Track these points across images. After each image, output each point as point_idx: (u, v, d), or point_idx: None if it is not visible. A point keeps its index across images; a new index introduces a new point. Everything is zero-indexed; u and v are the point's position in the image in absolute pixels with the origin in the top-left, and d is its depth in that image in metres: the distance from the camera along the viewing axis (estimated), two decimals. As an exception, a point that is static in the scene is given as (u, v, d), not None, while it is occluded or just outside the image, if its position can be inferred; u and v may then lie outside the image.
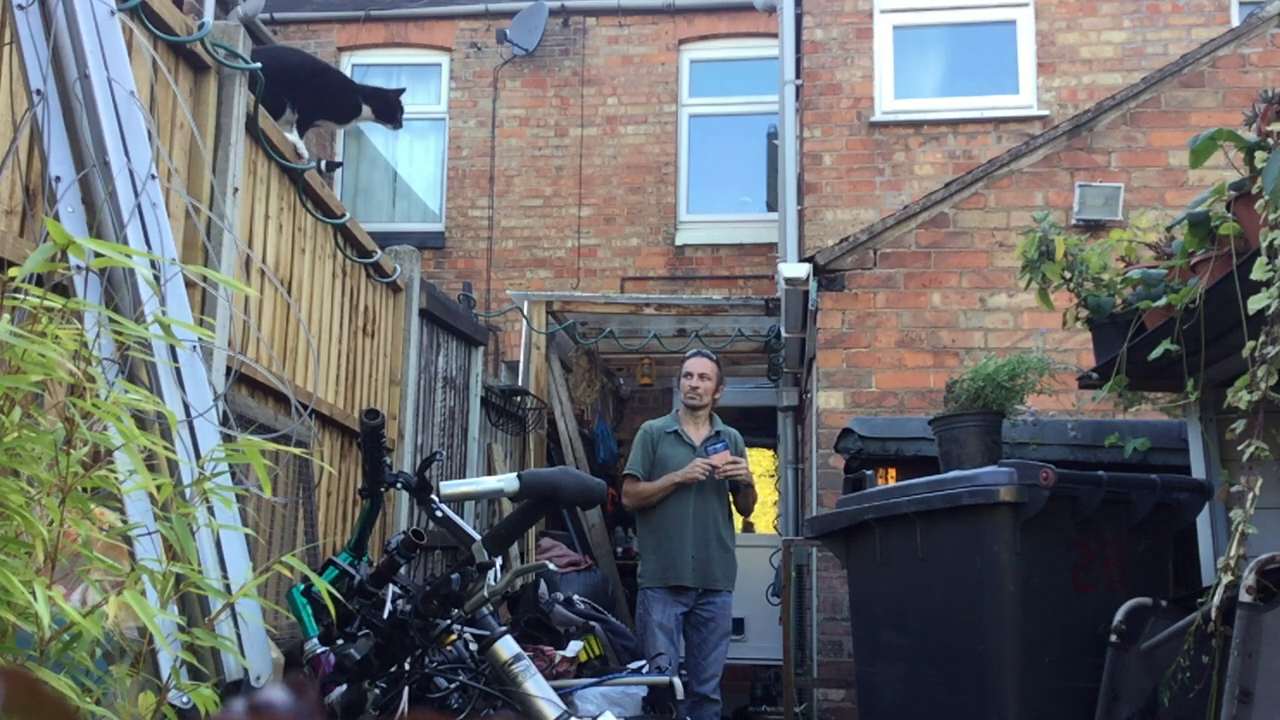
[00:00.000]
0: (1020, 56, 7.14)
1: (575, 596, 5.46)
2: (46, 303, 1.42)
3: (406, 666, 2.34)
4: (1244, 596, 2.35)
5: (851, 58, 7.16)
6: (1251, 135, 2.47)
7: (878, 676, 3.55)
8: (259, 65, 3.07)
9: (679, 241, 9.31)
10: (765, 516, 10.06)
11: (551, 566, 2.71)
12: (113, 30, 2.31)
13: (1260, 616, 2.34)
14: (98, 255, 1.44)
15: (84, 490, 1.43)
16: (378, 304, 4.61)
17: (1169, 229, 3.09)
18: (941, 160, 6.89)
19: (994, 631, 3.05)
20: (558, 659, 4.63)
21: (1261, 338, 2.32)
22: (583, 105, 9.58)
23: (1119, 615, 2.99)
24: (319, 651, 2.34)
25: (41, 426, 1.42)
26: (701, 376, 4.98)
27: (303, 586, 2.46)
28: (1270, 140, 2.37)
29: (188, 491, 1.66)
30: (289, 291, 3.63)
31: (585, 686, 3.94)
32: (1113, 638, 2.99)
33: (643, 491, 4.89)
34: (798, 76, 7.21)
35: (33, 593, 1.23)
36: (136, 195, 2.23)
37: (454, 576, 2.30)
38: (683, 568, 4.76)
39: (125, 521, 1.85)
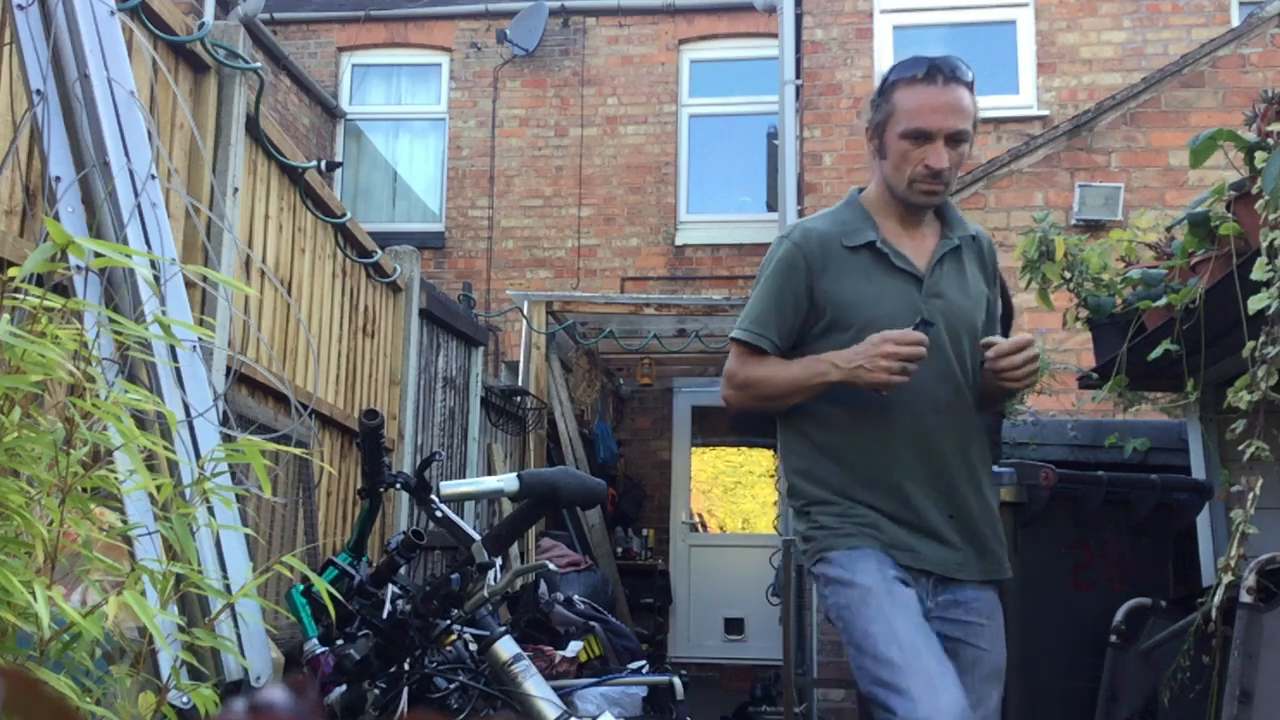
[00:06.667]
0: (1020, 56, 7.14)
1: (575, 596, 5.46)
2: (46, 303, 1.41)
3: (406, 666, 2.34)
4: (1244, 597, 2.35)
5: (851, 58, 7.16)
6: (1251, 135, 2.47)
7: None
8: (259, 65, 3.08)
9: (679, 241, 9.31)
10: (765, 516, 10.06)
11: (551, 566, 2.70)
12: (113, 30, 2.31)
13: (1260, 617, 2.34)
14: (98, 255, 1.44)
15: (84, 490, 1.43)
16: (378, 304, 4.61)
17: (1169, 229, 3.09)
18: (941, 160, 6.88)
19: (994, 631, 3.05)
20: (558, 659, 4.63)
21: (1261, 338, 2.32)
22: (583, 105, 9.59)
23: (1119, 615, 2.99)
24: (319, 651, 2.34)
25: (41, 426, 1.42)
26: (953, 139, 2.21)
27: (302, 586, 2.46)
28: (1270, 140, 2.37)
29: (188, 491, 1.66)
30: (289, 291, 3.63)
31: (585, 686, 3.94)
32: (1113, 638, 2.99)
33: (763, 381, 2.27)
34: (798, 76, 7.21)
35: (33, 593, 1.23)
36: (136, 195, 2.23)
37: (454, 576, 2.30)
38: (914, 536, 2.18)
39: (125, 521, 1.85)
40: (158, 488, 1.49)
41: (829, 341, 2.23)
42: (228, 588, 2.16)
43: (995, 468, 3.14)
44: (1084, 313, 3.37)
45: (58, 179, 2.13)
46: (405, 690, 2.33)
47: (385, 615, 2.35)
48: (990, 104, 7.08)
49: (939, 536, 2.16)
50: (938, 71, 2.22)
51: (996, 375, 2.16)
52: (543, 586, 5.38)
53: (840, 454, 2.23)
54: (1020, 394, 2.45)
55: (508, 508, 5.06)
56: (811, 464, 2.25)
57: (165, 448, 1.73)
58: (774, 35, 8.28)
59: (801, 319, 2.28)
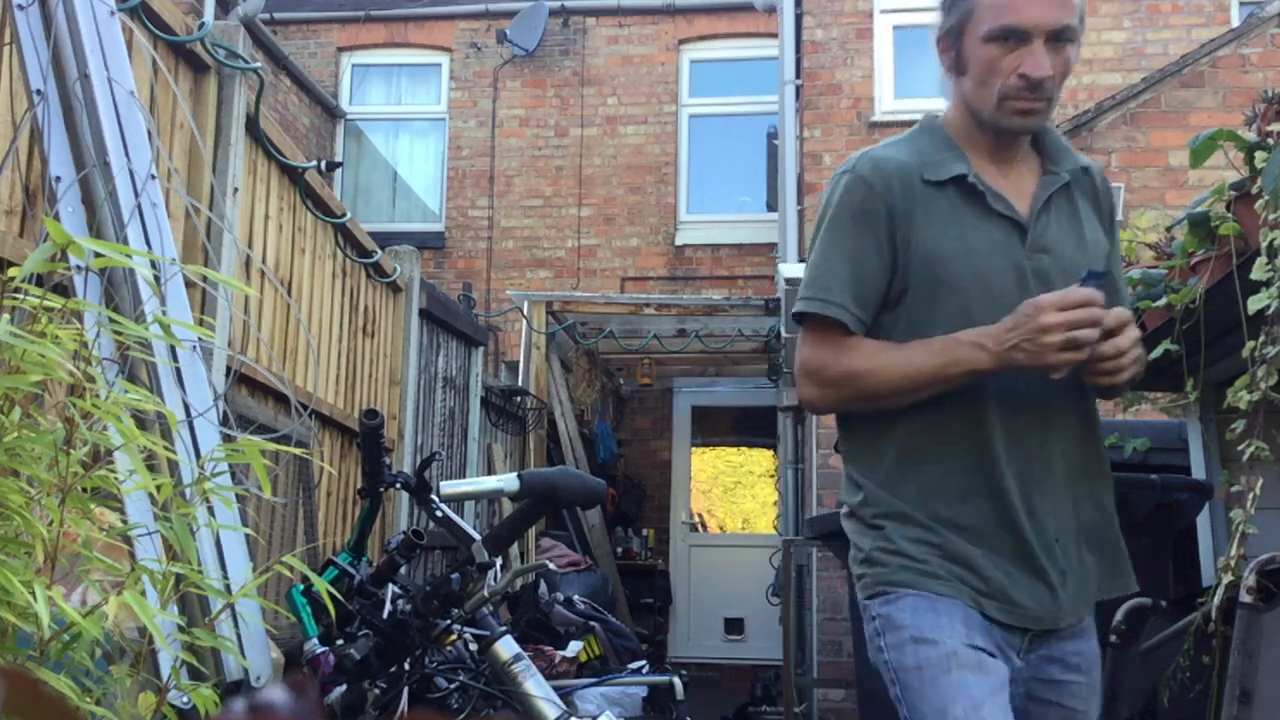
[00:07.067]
0: (1020, 56, 7.14)
1: (575, 596, 5.46)
2: (46, 303, 1.41)
3: (406, 666, 2.34)
4: (1244, 597, 2.35)
5: (851, 58, 7.16)
6: (1251, 135, 2.47)
7: (878, 677, 3.54)
8: (259, 65, 3.08)
9: (679, 241, 9.32)
10: (765, 516, 10.06)
11: (551, 566, 2.71)
12: (113, 30, 2.31)
13: (1260, 617, 2.34)
14: (98, 255, 1.44)
15: (84, 490, 1.43)
16: (378, 304, 4.61)
17: (1169, 229, 3.09)
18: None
19: (994, 631, 3.05)
20: (558, 659, 4.63)
21: (1261, 338, 2.32)
22: (583, 105, 9.59)
23: (1119, 615, 2.98)
24: (319, 651, 2.34)
25: (41, 426, 1.42)
26: (1056, 38, 1.68)
27: (302, 586, 2.46)
28: (1270, 140, 2.37)
29: (188, 491, 1.66)
30: (289, 291, 3.63)
31: (585, 686, 3.94)
32: (1113, 638, 2.99)
33: (873, 374, 1.71)
34: (798, 76, 7.22)
35: (33, 593, 1.23)
36: (136, 195, 2.23)
37: (454, 576, 2.30)
38: (1014, 577, 1.69)
39: (125, 521, 1.85)
40: (158, 488, 1.49)
41: (902, 313, 1.72)
42: (228, 588, 2.16)
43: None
44: (1084, 313, 3.36)
45: (58, 179, 2.13)
46: (405, 690, 2.33)
47: (385, 615, 2.35)
48: (990, 104, 7.08)
49: (1042, 573, 1.67)
50: None
51: (1091, 370, 1.65)
52: (543, 586, 5.38)
53: (930, 454, 1.70)
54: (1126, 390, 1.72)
55: (508, 508, 5.06)
56: (893, 464, 1.72)
57: (165, 448, 1.73)
58: (774, 35, 8.28)
59: (886, 282, 1.71)
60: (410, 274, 4.91)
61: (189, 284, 2.53)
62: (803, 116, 7.13)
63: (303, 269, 3.76)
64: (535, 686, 2.22)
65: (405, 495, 4.53)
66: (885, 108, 7.05)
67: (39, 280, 1.70)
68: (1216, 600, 2.44)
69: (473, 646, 2.40)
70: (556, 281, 9.23)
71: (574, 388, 8.04)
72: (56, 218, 2.04)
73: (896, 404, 1.70)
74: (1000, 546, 1.67)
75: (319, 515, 3.81)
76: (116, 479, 1.55)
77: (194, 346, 2.28)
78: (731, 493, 10.44)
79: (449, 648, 2.40)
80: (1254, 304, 2.33)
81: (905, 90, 7.13)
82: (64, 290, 2.00)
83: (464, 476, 5.87)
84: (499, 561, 2.38)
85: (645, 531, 9.48)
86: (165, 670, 1.76)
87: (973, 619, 1.64)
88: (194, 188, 2.89)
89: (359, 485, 2.54)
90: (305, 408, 3.15)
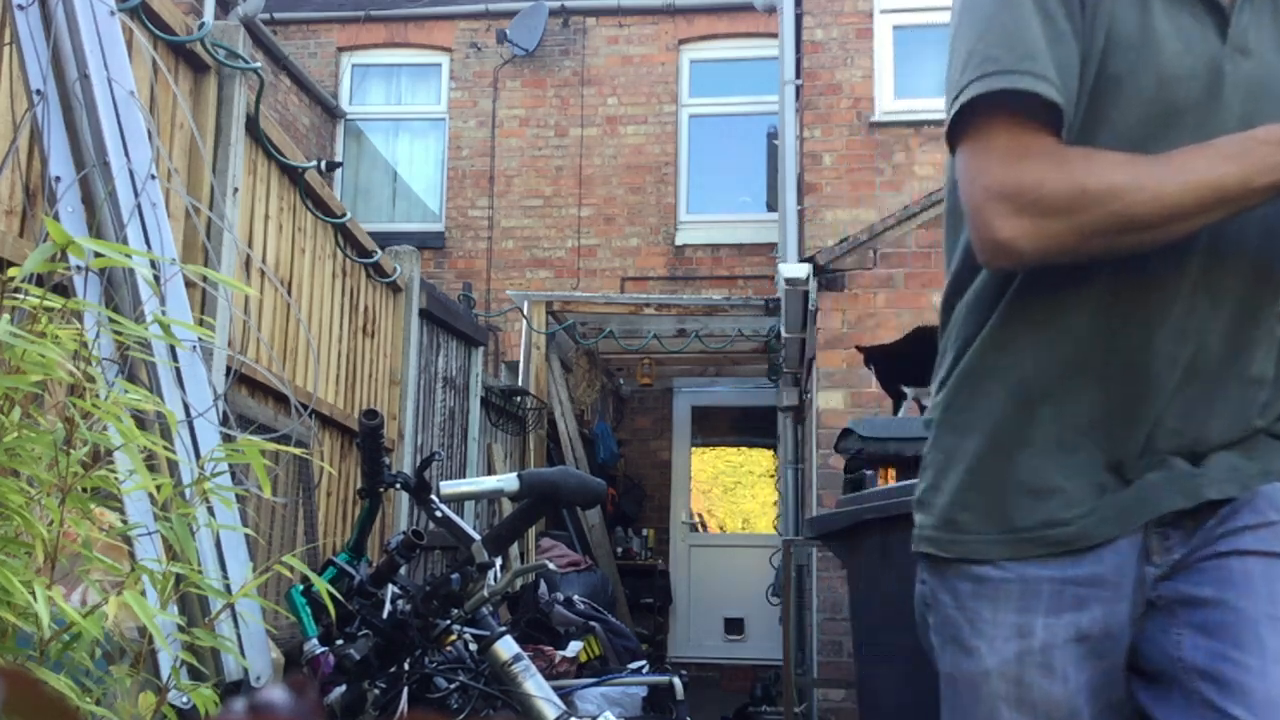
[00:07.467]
0: (1020, 56, 7.13)
1: (575, 596, 5.46)
2: (46, 303, 1.41)
3: (406, 667, 2.34)
4: (1244, 596, 2.35)
5: (851, 58, 7.16)
6: (1251, 135, 2.46)
7: (878, 677, 3.55)
8: (259, 65, 3.08)
9: (679, 241, 9.32)
10: (765, 516, 10.07)
11: (551, 566, 2.71)
12: (113, 30, 2.31)
13: (1260, 616, 2.34)
14: (98, 255, 1.44)
15: (84, 490, 1.43)
16: (378, 304, 4.61)
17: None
18: (941, 160, 6.88)
19: (994, 631, 3.05)
20: (558, 659, 4.63)
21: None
22: (583, 105, 9.59)
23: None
24: (318, 652, 2.34)
25: (41, 426, 1.42)
26: None
27: (302, 586, 2.46)
28: (1270, 140, 2.37)
29: (188, 491, 1.66)
30: (289, 291, 3.63)
31: (585, 686, 3.94)
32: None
33: (1133, 189, 1.12)
34: (798, 76, 7.22)
35: (33, 593, 1.23)
36: (136, 195, 2.23)
37: (454, 576, 2.30)
38: (1108, 486, 1.24)
39: (125, 521, 1.85)
40: (158, 488, 1.49)
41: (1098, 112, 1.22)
42: (228, 588, 2.16)
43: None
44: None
45: (58, 179, 2.13)
46: (405, 690, 2.33)
47: (385, 615, 2.35)
48: (990, 104, 7.07)
49: (1158, 465, 1.23)
50: None
51: None
52: (543, 586, 5.38)
53: (1061, 325, 1.24)
54: None
55: (508, 508, 5.06)
56: (999, 346, 1.29)
57: (165, 448, 1.73)
58: (774, 35, 8.28)
59: (1079, 71, 1.19)
60: (410, 274, 4.91)
61: (189, 284, 2.53)
62: (803, 116, 7.13)
63: (303, 269, 3.77)
64: (535, 686, 2.22)
65: (405, 495, 4.53)
66: (885, 108, 7.05)
67: (39, 280, 1.70)
68: (1216, 600, 2.43)
69: (472, 646, 2.40)
70: (556, 281, 9.23)
71: (574, 388, 8.04)
72: (56, 218, 2.04)
73: (1161, 237, 1.16)
74: (1104, 442, 1.24)
75: (319, 515, 3.81)
76: (116, 479, 1.55)
77: (194, 346, 2.28)
78: (731, 493, 10.44)
79: (449, 648, 2.40)
80: (1254, 304, 2.33)
81: (905, 90, 7.13)
82: (64, 290, 2.00)
83: (464, 476, 5.87)
84: (499, 561, 2.38)
85: (645, 531, 9.48)
86: (165, 670, 1.76)
87: (1037, 594, 1.24)
88: (194, 188, 2.89)
89: (359, 485, 2.54)
90: (305, 408, 3.15)
